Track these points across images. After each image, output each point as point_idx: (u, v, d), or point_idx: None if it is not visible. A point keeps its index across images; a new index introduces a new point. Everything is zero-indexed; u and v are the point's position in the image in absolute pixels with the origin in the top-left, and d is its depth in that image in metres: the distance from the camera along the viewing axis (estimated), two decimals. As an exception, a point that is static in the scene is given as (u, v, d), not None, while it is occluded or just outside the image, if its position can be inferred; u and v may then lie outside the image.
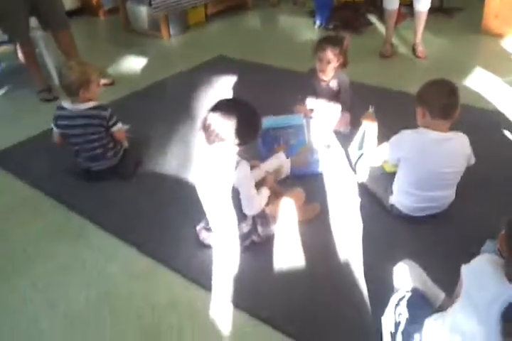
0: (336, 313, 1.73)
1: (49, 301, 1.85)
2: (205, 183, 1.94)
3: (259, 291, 1.83)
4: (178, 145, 2.81)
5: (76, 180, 2.50)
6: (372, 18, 4.82)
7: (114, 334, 1.72)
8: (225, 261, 1.98)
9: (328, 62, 2.65)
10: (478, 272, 1.21)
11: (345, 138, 2.71)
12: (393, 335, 1.48)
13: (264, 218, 2.01)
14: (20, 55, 3.46)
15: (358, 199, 2.28)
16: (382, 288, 1.71)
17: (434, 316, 1.41)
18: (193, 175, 2.01)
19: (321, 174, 2.47)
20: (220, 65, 3.92)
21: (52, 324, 1.77)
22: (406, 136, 1.99)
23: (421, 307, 1.50)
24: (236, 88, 3.47)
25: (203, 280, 1.88)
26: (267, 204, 2.03)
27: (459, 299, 1.28)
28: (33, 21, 3.34)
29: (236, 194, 1.89)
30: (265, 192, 2.02)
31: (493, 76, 3.48)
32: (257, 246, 2.01)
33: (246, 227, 1.98)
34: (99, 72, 2.50)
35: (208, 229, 2.03)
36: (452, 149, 1.95)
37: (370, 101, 2.85)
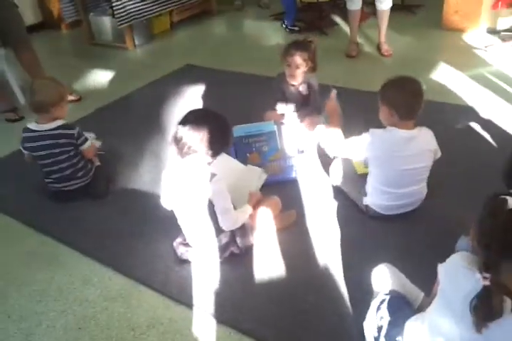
0: (318, 320, 1.72)
1: (24, 332, 1.79)
2: (180, 197, 1.91)
3: (241, 303, 1.81)
4: (150, 159, 2.78)
5: (47, 202, 2.44)
6: (337, 19, 4.87)
7: (96, 360, 1.68)
8: (205, 275, 1.95)
9: (297, 67, 2.65)
10: (452, 270, 1.22)
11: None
12: (376, 340, 1.49)
13: (242, 229, 1.99)
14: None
15: (334, 203, 2.29)
16: (362, 292, 1.72)
17: (414, 317, 1.41)
18: (166, 189, 1.98)
19: (295, 180, 2.46)
20: (188, 74, 3.90)
21: (30, 355, 1.72)
22: (376, 135, 2.00)
23: (402, 309, 1.50)
24: (206, 97, 3.46)
25: (183, 297, 1.85)
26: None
27: (435, 298, 1.29)
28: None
29: (213, 206, 1.87)
30: (248, 209, 2.01)
31: (456, 71, 3.54)
32: (236, 257, 2.00)
33: (224, 239, 1.96)
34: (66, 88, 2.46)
35: (186, 244, 2.01)
36: (420, 145, 1.99)
37: (338, 102, 2.88)
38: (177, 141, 1.80)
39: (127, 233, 2.21)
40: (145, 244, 2.13)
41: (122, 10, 4.28)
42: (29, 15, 4.88)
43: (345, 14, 4.25)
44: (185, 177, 1.87)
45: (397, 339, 1.42)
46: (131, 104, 3.51)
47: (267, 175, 2.39)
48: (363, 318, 1.57)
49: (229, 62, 4.05)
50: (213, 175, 1.84)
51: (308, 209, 2.26)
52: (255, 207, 2.07)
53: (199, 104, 3.36)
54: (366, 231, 2.11)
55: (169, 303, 1.85)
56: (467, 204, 2.05)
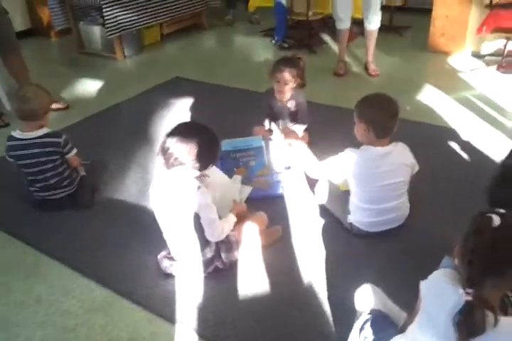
0: (302, 337, 1.72)
1: (2, 343, 1.77)
2: (165, 209, 1.91)
3: (224, 319, 1.81)
4: (136, 170, 2.77)
5: (31, 211, 2.42)
6: (326, 37, 4.96)
7: (75, 375, 1.65)
8: (189, 289, 1.95)
9: (286, 83, 2.69)
10: (435, 287, 1.24)
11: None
12: (360, 360, 1.49)
13: (227, 243, 1.99)
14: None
15: (320, 220, 2.31)
16: (346, 311, 1.72)
17: (398, 336, 1.42)
18: (150, 200, 1.98)
19: (281, 196, 2.48)
20: (176, 87, 3.92)
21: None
22: (353, 154, 2.06)
23: (385, 329, 1.51)
24: (193, 110, 3.48)
25: (166, 312, 1.84)
26: (232, 229, 2.02)
27: (417, 316, 1.31)
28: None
29: (198, 219, 1.88)
30: (231, 218, 2.02)
31: (441, 93, 3.63)
32: (220, 272, 1.99)
33: (209, 253, 1.96)
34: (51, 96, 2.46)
35: (170, 258, 2.00)
36: (396, 160, 2.05)
37: (324, 120, 2.93)
38: (164, 151, 1.81)
39: (111, 244, 2.20)
40: (130, 256, 2.12)
41: (113, 20, 4.31)
42: (18, 22, 4.87)
43: (334, 33, 4.34)
44: (171, 189, 1.87)
45: (380, 358, 1.43)
46: (119, 115, 3.51)
47: (251, 188, 2.40)
48: (347, 337, 1.57)
49: (218, 76, 4.08)
50: (199, 188, 1.85)
51: (293, 226, 2.28)
52: (241, 221, 2.08)
53: (187, 117, 3.38)
54: (351, 249, 2.13)
55: (152, 317, 1.83)
56: (450, 221, 2.11)
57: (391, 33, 4.94)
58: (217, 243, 1.97)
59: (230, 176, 2.48)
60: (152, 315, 1.84)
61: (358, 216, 2.14)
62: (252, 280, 1.98)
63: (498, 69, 3.91)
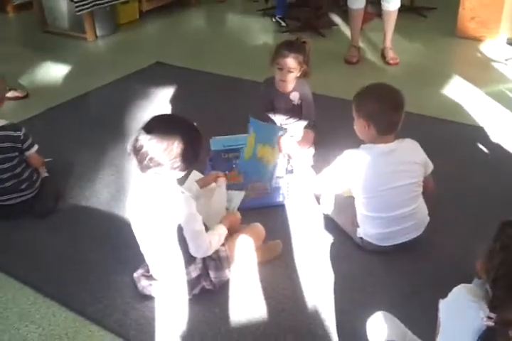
0: (305, 374, 1.74)
1: None
2: (143, 220, 1.92)
3: (213, 351, 1.81)
4: (108, 172, 2.78)
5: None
6: (336, 19, 4.99)
7: None
8: (170, 314, 1.95)
9: (290, 71, 2.71)
10: (457, 304, 1.26)
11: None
12: None
13: (216, 260, 2.00)
14: None
15: (326, 234, 2.32)
16: (357, 342, 1.74)
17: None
18: (127, 210, 1.98)
19: (282, 205, 2.49)
20: (157, 74, 3.94)
21: None
22: (352, 155, 2.10)
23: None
24: (177, 101, 3.49)
25: (143, 340, 1.84)
26: (222, 243, 2.03)
27: (438, 337, 1.33)
28: None
29: (182, 231, 1.88)
30: (222, 230, 2.02)
31: (471, 86, 3.66)
32: (208, 294, 2.00)
33: (195, 272, 1.96)
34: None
35: (149, 277, 2.00)
36: (402, 159, 2.08)
37: (333, 116, 2.94)
38: (137, 150, 1.80)
39: (78, 260, 2.19)
40: (99, 274, 2.12)
41: (83, -7, 4.32)
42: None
43: (345, 13, 4.37)
44: (150, 196, 1.88)
45: None
46: (89, 106, 3.52)
47: (243, 193, 2.40)
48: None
49: (207, 62, 4.10)
50: (182, 193, 1.85)
51: (296, 240, 2.29)
52: (233, 234, 2.09)
53: (168, 109, 3.39)
54: (362, 268, 2.14)
55: (126, 347, 1.83)
56: (475, 233, 2.13)
57: (413, 15, 4.98)
58: (204, 259, 1.97)
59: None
60: (126, 344, 1.84)
61: (367, 227, 2.16)
62: (247, 304, 1.98)
63: (537, 59, 3.95)
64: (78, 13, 4.38)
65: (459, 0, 4.40)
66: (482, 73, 3.88)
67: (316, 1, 4.79)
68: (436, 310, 1.33)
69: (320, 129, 2.89)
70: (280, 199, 2.51)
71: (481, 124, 3.17)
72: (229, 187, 2.38)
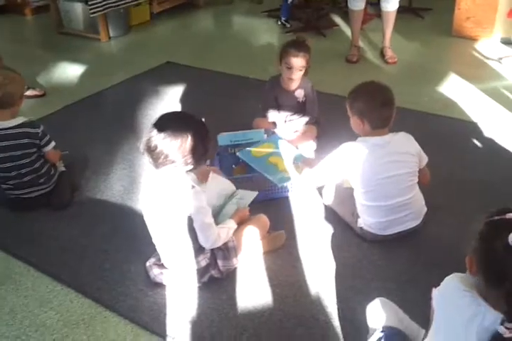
0: (309, 357, 1.74)
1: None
2: (155, 212, 1.91)
3: (221, 335, 1.81)
4: (121, 166, 2.78)
5: (2, 211, 2.42)
6: (337, 19, 4.96)
7: None
8: (181, 301, 1.95)
9: (300, 70, 2.70)
10: (449, 292, 1.25)
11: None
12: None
13: (224, 250, 2.00)
14: None
15: (328, 225, 2.31)
16: (358, 328, 1.73)
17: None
18: (141, 203, 1.98)
19: (286, 197, 2.49)
20: (167, 73, 3.92)
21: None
22: (350, 147, 2.12)
23: (400, 347, 1.52)
24: (186, 99, 3.48)
25: (155, 326, 1.84)
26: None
27: (431, 328, 1.32)
28: None
29: (191, 222, 1.88)
30: (231, 224, 2.02)
31: (466, 83, 3.64)
32: (216, 282, 2.00)
33: (204, 261, 1.96)
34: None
35: (160, 265, 2.01)
36: (396, 150, 2.10)
37: (334, 113, 2.92)
38: (151, 150, 1.79)
39: (93, 250, 2.20)
40: (113, 263, 2.12)
41: (97, -4, 4.30)
42: (-11, -3, 4.87)
43: (346, 14, 4.34)
44: (162, 190, 1.88)
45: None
46: (103, 103, 3.51)
47: (256, 193, 2.37)
48: (358, 356, 1.59)
49: (214, 61, 4.08)
50: (192, 187, 1.85)
51: (299, 231, 2.28)
52: (240, 225, 2.09)
53: (178, 107, 3.38)
54: (363, 257, 2.14)
55: (139, 332, 1.83)
56: (468, 225, 2.11)
57: (411, 15, 4.93)
58: (213, 249, 1.98)
59: (229, 174, 2.48)
60: (139, 329, 1.85)
61: (366, 217, 2.16)
62: (253, 291, 1.99)
63: (530, 57, 3.92)
64: (92, 15, 4.36)
65: (455, 1, 4.36)
66: (477, 71, 3.84)
67: (318, 3, 4.76)
68: (430, 298, 1.32)
69: (322, 125, 2.88)
70: (285, 193, 2.50)
71: (476, 120, 3.15)
72: (238, 183, 2.37)
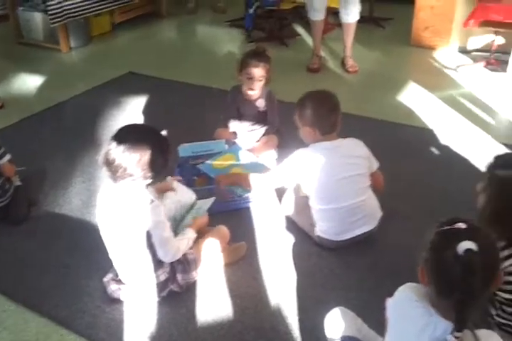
0: (269, 370, 1.73)
1: None
2: (112, 226, 1.88)
3: (181, 350, 1.79)
4: (80, 179, 2.74)
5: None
6: (299, 29, 5.01)
7: None
8: (139, 316, 1.92)
9: (260, 80, 2.71)
10: (402, 303, 1.26)
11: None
12: None
13: (184, 263, 1.98)
14: None
15: (288, 235, 2.32)
16: (318, 338, 1.73)
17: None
18: (97, 217, 1.95)
19: (247, 208, 2.48)
20: (129, 83, 3.90)
21: None
22: (303, 152, 2.17)
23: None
24: (148, 110, 3.46)
25: (113, 343, 1.82)
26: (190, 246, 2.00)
27: (385, 337, 1.33)
28: None
29: (150, 237, 1.86)
30: (190, 234, 2.01)
31: (425, 91, 3.71)
32: (176, 296, 1.98)
33: (163, 275, 1.94)
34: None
35: (118, 281, 1.97)
36: (349, 153, 2.17)
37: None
38: (109, 163, 1.77)
39: (50, 265, 2.16)
40: (71, 279, 2.09)
41: (57, 6, 4.26)
42: None
43: (308, 24, 4.38)
44: (120, 204, 1.85)
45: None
46: (62, 115, 3.46)
47: (213, 198, 2.37)
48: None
49: (177, 72, 4.07)
50: (151, 202, 1.83)
51: (260, 242, 2.28)
52: (200, 237, 2.07)
53: (140, 118, 3.35)
54: (322, 266, 2.14)
55: (96, 350, 1.80)
56: (424, 231, 2.14)
57: (371, 25, 5.02)
58: (172, 263, 1.95)
59: (190, 186, 2.46)
60: (97, 346, 1.81)
61: (321, 222, 2.19)
62: (212, 304, 1.97)
63: (486, 65, 4.01)
64: (53, 25, 4.31)
65: (414, 10, 4.45)
66: (435, 79, 3.92)
67: (281, 13, 4.79)
68: (384, 308, 1.33)
69: (283, 134, 2.89)
70: (246, 203, 2.49)
71: (432, 127, 3.21)
72: (199, 194, 2.34)
